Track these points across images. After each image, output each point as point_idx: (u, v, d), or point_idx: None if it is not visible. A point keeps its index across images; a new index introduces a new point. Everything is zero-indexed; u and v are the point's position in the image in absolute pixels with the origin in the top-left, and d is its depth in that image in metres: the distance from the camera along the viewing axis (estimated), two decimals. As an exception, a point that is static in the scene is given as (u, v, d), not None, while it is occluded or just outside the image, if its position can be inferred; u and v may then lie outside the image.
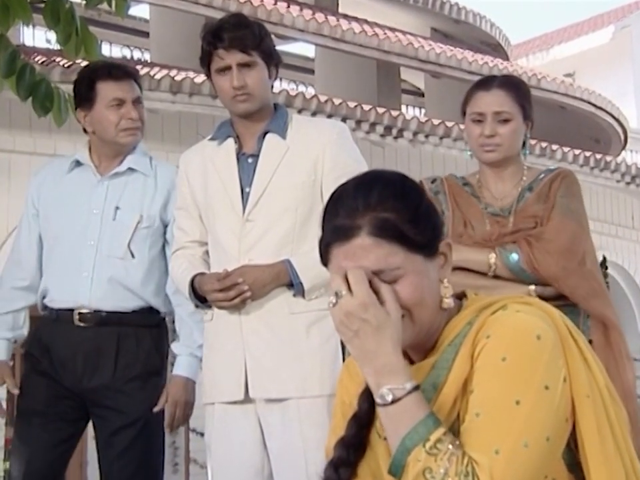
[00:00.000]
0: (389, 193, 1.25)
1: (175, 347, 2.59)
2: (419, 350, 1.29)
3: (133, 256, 2.54)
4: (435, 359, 1.26)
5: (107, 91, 2.53)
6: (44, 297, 2.61)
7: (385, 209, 1.23)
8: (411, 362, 1.30)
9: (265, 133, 2.30)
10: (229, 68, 2.26)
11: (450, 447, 1.15)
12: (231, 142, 2.32)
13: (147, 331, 2.55)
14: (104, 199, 2.56)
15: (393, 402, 1.18)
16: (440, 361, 1.25)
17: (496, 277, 2.24)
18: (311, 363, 2.22)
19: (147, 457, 2.53)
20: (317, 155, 2.27)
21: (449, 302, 1.27)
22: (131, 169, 2.59)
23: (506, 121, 2.30)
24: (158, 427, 2.55)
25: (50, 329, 2.58)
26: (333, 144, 2.28)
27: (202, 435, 8.21)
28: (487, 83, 2.35)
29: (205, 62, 2.30)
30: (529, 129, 2.37)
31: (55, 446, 2.52)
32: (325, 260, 1.27)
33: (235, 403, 2.26)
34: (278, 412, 2.23)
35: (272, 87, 2.36)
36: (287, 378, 2.21)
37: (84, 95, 2.56)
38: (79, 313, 2.52)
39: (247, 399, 2.25)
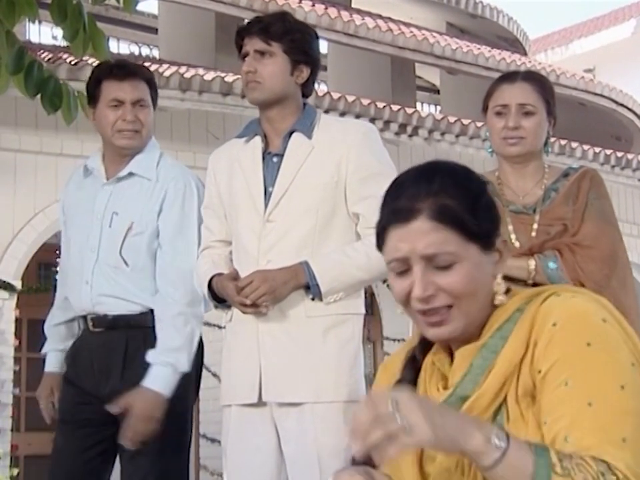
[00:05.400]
0: (452, 181, 1.27)
1: (149, 354, 2.43)
2: (463, 341, 1.29)
3: (126, 264, 2.49)
4: (483, 342, 1.27)
5: (108, 89, 2.51)
6: None
7: (447, 195, 1.25)
8: (451, 353, 1.32)
9: (292, 132, 2.29)
10: (248, 55, 2.28)
11: (571, 458, 1.13)
12: (258, 140, 2.32)
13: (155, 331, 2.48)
14: (105, 205, 2.54)
15: (503, 454, 1.13)
16: (488, 345, 1.26)
17: (535, 284, 2.23)
18: (326, 368, 2.19)
19: (159, 462, 2.44)
20: (341, 156, 2.25)
21: (502, 299, 1.27)
22: (131, 173, 2.55)
23: (530, 114, 2.28)
24: (172, 428, 2.46)
25: (78, 336, 2.61)
26: (358, 145, 2.26)
27: (212, 440, 8.12)
28: (511, 76, 2.36)
29: (239, 55, 2.33)
30: (552, 126, 2.35)
31: (83, 452, 2.50)
32: (380, 242, 1.29)
33: (251, 405, 2.23)
34: (294, 417, 2.20)
35: (305, 87, 2.33)
36: (300, 382, 2.20)
37: (91, 92, 2.56)
38: (92, 319, 2.52)
39: (262, 403, 2.23)
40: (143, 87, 2.53)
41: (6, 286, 6.55)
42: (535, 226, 2.26)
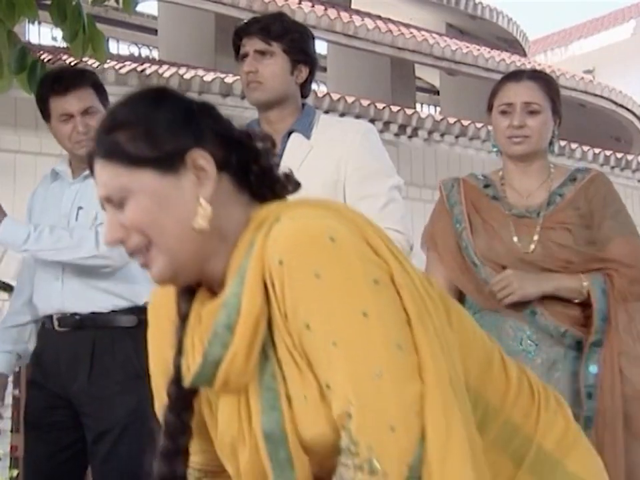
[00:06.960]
0: (122, 110, 1.16)
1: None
2: (215, 284, 1.15)
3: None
4: (224, 296, 1.12)
5: (55, 105, 2.53)
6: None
7: (120, 127, 1.15)
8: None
9: (290, 133, 2.29)
10: (248, 55, 2.28)
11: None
12: None
13: (125, 332, 2.47)
14: (72, 202, 2.58)
15: None
16: (229, 297, 1.11)
17: (582, 304, 2.21)
18: None
19: (130, 465, 2.40)
20: (340, 156, 2.24)
21: (200, 223, 1.12)
22: None
23: (535, 112, 2.26)
24: (141, 428, 2.41)
25: (40, 337, 2.60)
26: (357, 145, 2.26)
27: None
28: (516, 75, 2.35)
29: (237, 55, 2.33)
30: (557, 126, 2.33)
31: (54, 456, 2.50)
32: None
33: None
34: None
35: (304, 87, 2.33)
36: None
37: (41, 110, 2.58)
38: (58, 318, 2.52)
39: None
40: (87, 95, 2.52)
41: (5, 287, 6.55)
42: (538, 229, 2.24)
